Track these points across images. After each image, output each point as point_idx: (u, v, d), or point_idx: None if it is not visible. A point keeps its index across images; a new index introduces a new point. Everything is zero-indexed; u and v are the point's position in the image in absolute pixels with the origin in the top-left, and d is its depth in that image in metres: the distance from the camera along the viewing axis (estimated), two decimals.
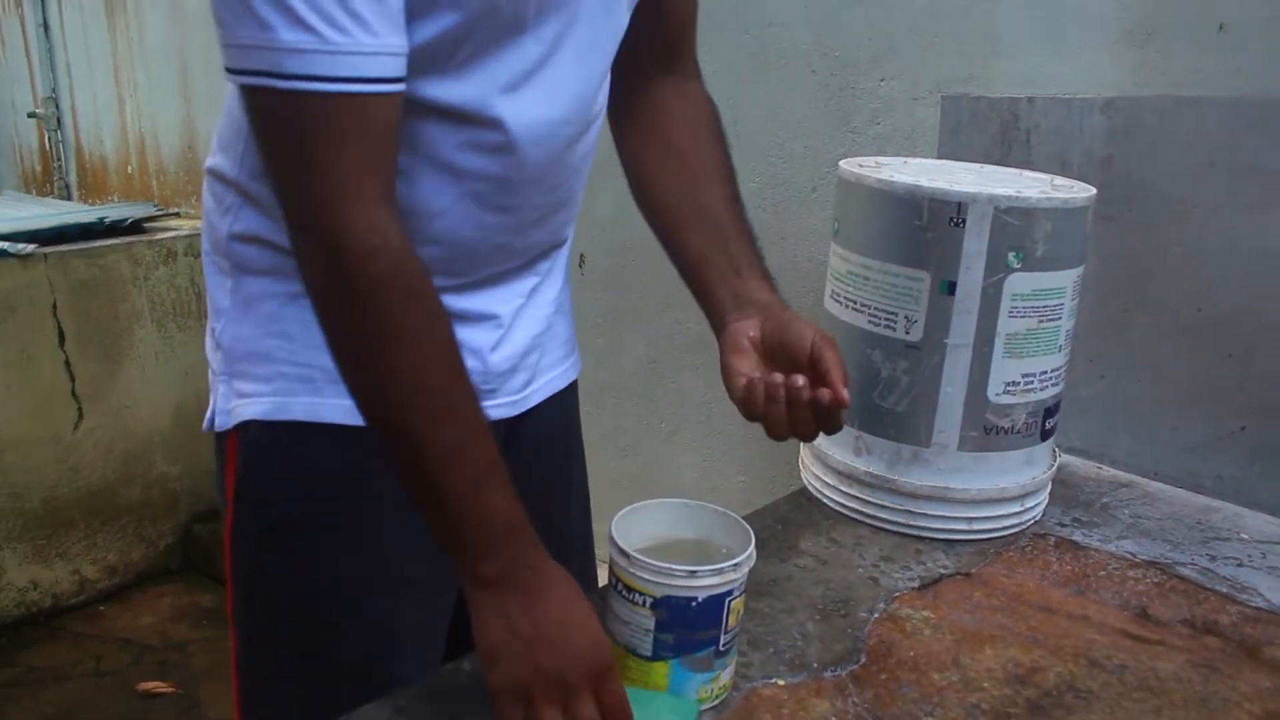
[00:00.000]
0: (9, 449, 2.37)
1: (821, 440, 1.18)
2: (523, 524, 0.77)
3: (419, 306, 0.75)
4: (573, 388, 1.09)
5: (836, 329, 1.12)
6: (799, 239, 1.55)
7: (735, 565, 0.79)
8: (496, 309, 0.92)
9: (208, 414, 0.91)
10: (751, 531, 0.83)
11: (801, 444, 1.22)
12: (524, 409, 0.98)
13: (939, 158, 1.40)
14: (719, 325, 0.91)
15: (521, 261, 0.93)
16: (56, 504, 2.48)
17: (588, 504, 1.17)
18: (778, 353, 0.87)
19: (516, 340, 0.95)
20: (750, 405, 0.86)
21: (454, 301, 0.88)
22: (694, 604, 0.79)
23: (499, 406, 0.95)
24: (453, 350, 0.76)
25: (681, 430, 1.80)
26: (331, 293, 0.74)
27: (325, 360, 0.83)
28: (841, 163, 1.13)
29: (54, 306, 2.30)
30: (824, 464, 1.17)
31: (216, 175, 0.89)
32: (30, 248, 2.33)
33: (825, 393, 0.83)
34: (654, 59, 0.99)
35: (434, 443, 0.75)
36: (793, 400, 0.84)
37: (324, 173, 0.71)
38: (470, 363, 0.85)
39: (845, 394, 0.83)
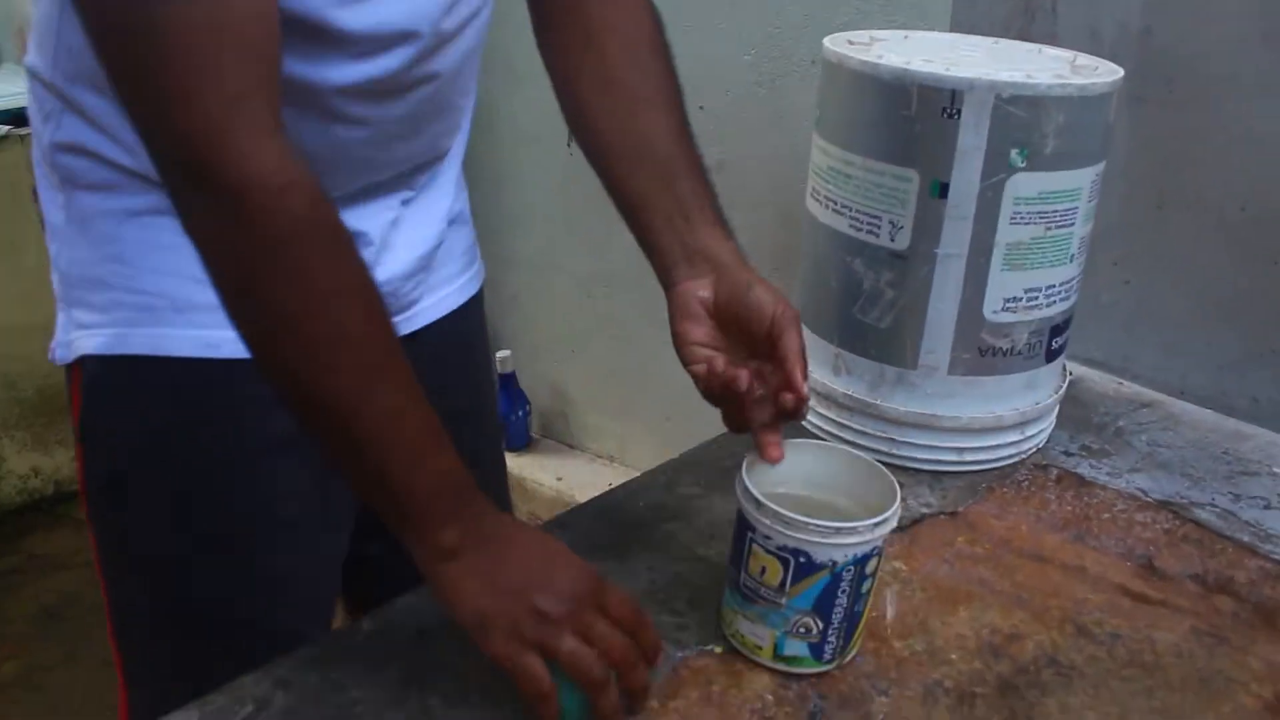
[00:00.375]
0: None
1: None
2: (468, 478, 0.68)
3: (341, 254, 0.64)
4: (474, 301, 0.99)
5: (816, 231, 0.98)
6: (796, 119, 1.39)
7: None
8: (361, 225, 0.80)
9: (51, 343, 0.80)
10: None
11: None
12: (409, 330, 0.88)
13: (951, 29, 1.23)
14: (667, 282, 0.78)
15: (388, 175, 0.81)
16: (51, 391, 2.40)
17: (495, 427, 1.07)
18: (732, 322, 0.75)
19: (392, 260, 0.83)
20: (708, 391, 0.75)
21: None
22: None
23: None
24: (379, 301, 0.65)
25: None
26: (230, 249, 0.61)
27: (168, 286, 0.73)
28: (826, 39, 0.97)
29: (34, 190, 2.17)
30: None
31: (34, 76, 0.76)
32: (5, 129, 2.21)
33: (788, 398, 0.72)
34: None
35: (370, 411, 0.64)
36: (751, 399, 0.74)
37: (201, 96, 0.57)
38: None
39: (806, 391, 0.72)
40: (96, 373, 0.78)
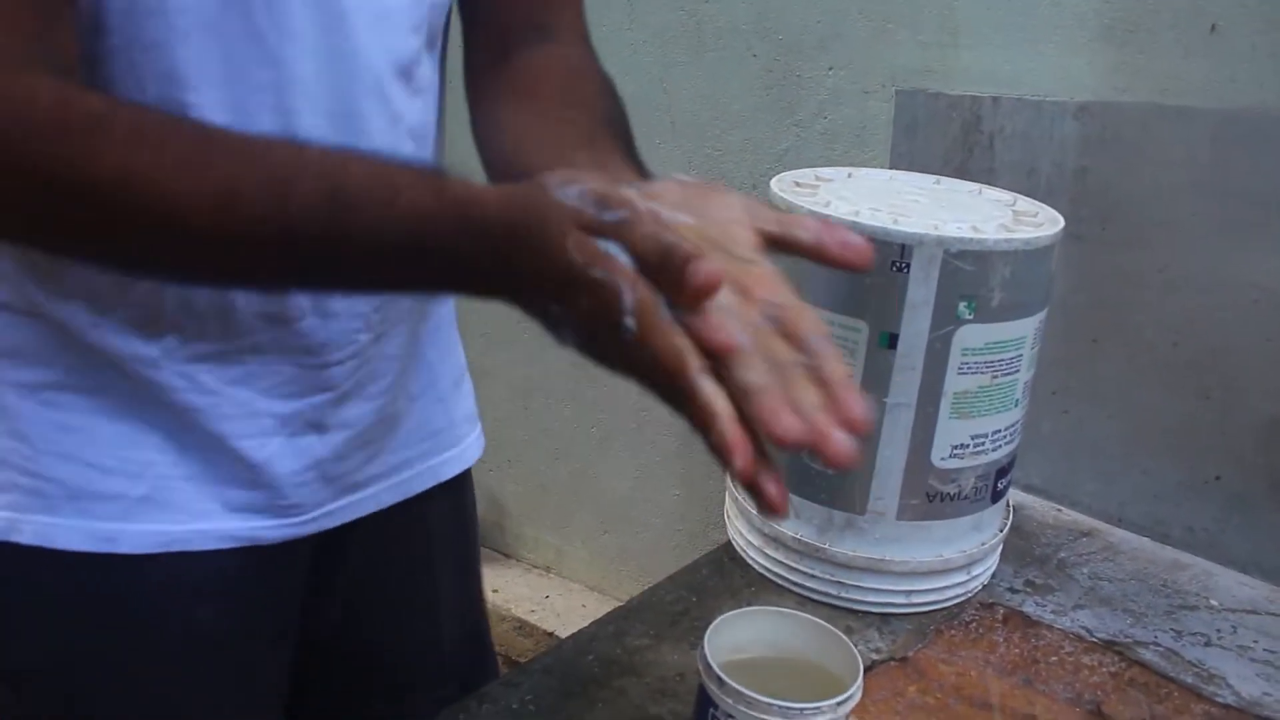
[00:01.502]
0: None
1: (746, 496, 1.04)
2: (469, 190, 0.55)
3: (170, 120, 0.57)
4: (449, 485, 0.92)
5: None
6: None
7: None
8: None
9: None
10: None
11: (727, 495, 1.08)
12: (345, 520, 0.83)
13: (892, 161, 1.25)
14: None
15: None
16: None
17: (474, 611, 1.03)
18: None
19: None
20: None
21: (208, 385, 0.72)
22: None
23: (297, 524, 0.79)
24: (210, 132, 0.57)
25: (614, 436, 1.67)
26: (67, 196, 0.54)
27: (65, 472, 0.68)
28: (773, 181, 0.98)
29: None
30: (749, 522, 1.03)
31: None
32: None
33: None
34: (516, 32, 0.78)
35: (302, 221, 0.54)
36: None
37: None
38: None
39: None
40: None
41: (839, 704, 0.68)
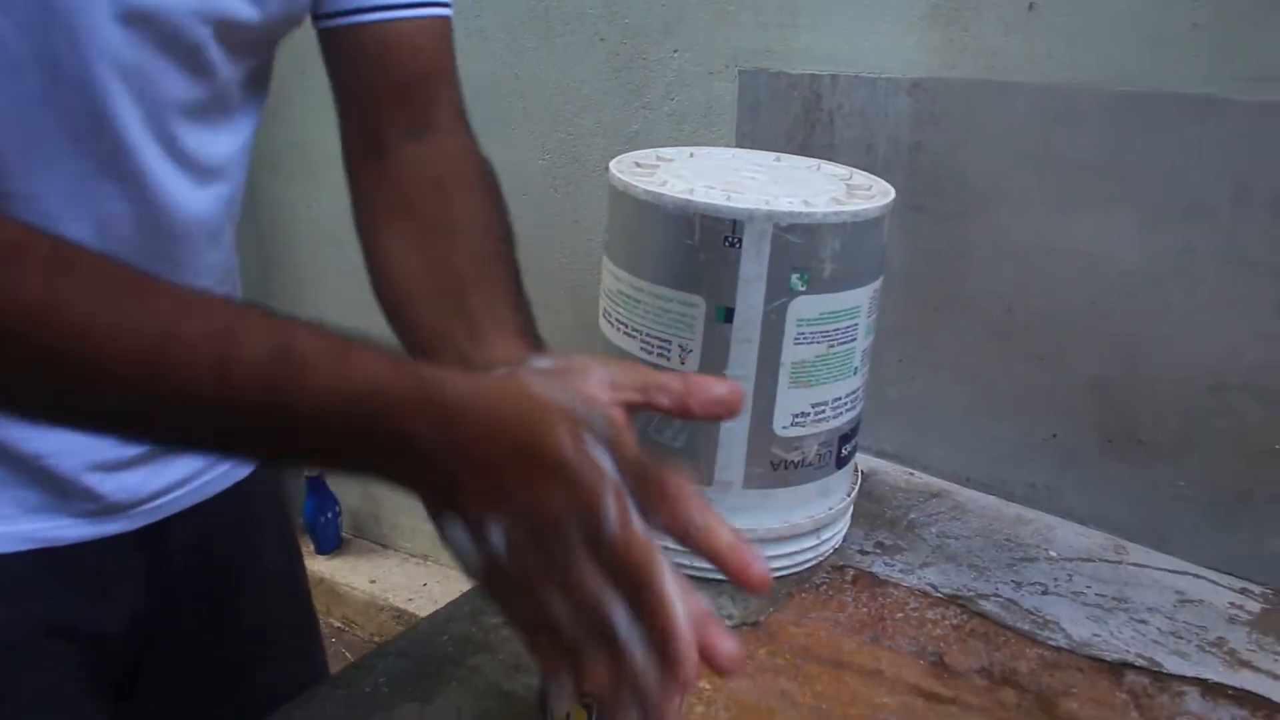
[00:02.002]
0: None
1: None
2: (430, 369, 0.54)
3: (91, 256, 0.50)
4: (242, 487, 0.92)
5: (610, 353, 1.00)
6: (593, 222, 1.42)
7: None
8: None
9: None
10: None
11: None
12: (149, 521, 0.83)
13: (737, 139, 1.28)
14: None
15: None
16: None
17: (298, 586, 1.03)
18: None
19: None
20: None
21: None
22: None
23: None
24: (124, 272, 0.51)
25: None
26: None
27: None
28: (612, 163, 0.99)
29: None
30: None
31: None
32: None
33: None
34: (389, 120, 0.77)
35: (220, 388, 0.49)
36: None
37: None
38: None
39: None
40: None
41: None
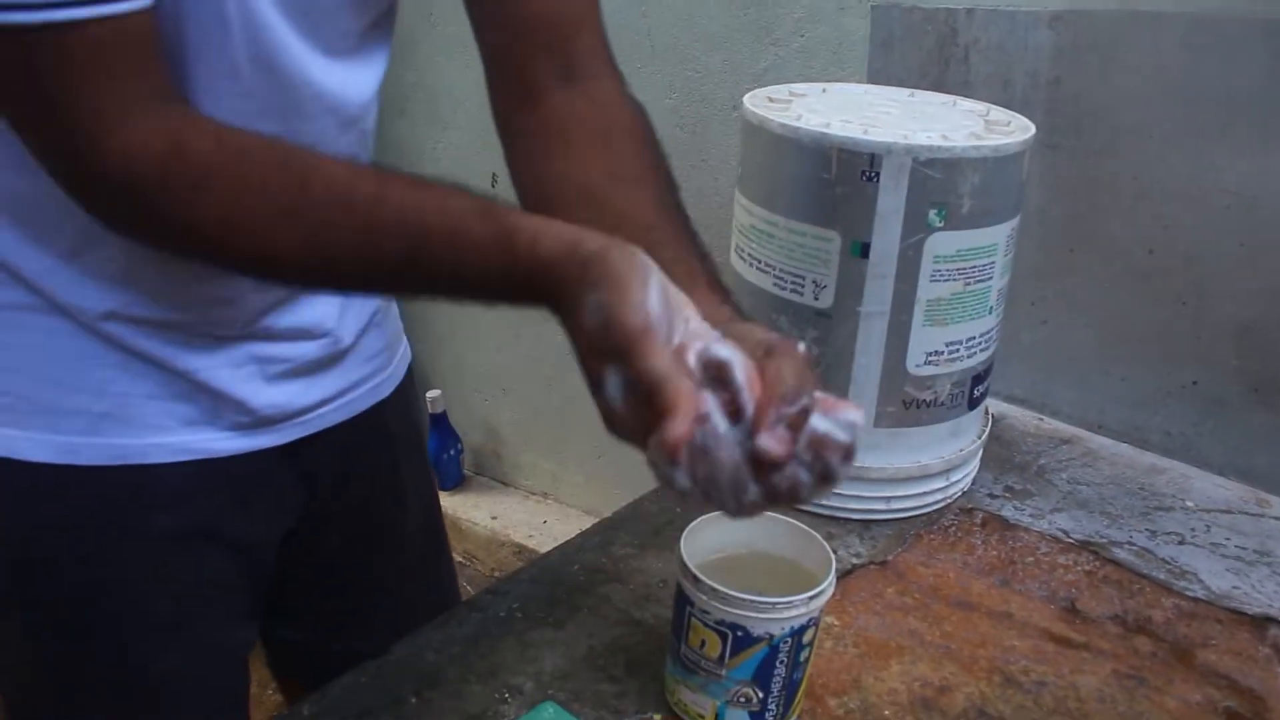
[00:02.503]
0: None
1: None
2: (534, 222, 0.61)
3: (272, 166, 0.61)
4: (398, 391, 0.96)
5: (742, 288, 1.00)
6: (721, 162, 1.41)
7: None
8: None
9: None
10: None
11: None
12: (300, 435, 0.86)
13: (869, 76, 1.25)
14: None
15: None
16: None
17: (432, 509, 1.06)
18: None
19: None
20: None
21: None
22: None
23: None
24: (343, 167, 0.63)
25: None
26: (179, 236, 0.62)
27: (25, 387, 0.72)
28: (746, 98, 0.99)
29: None
30: None
31: None
32: None
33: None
34: (539, 65, 0.77)
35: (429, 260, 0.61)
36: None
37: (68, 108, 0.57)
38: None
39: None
40: None
41: (811, 598, 0.70)
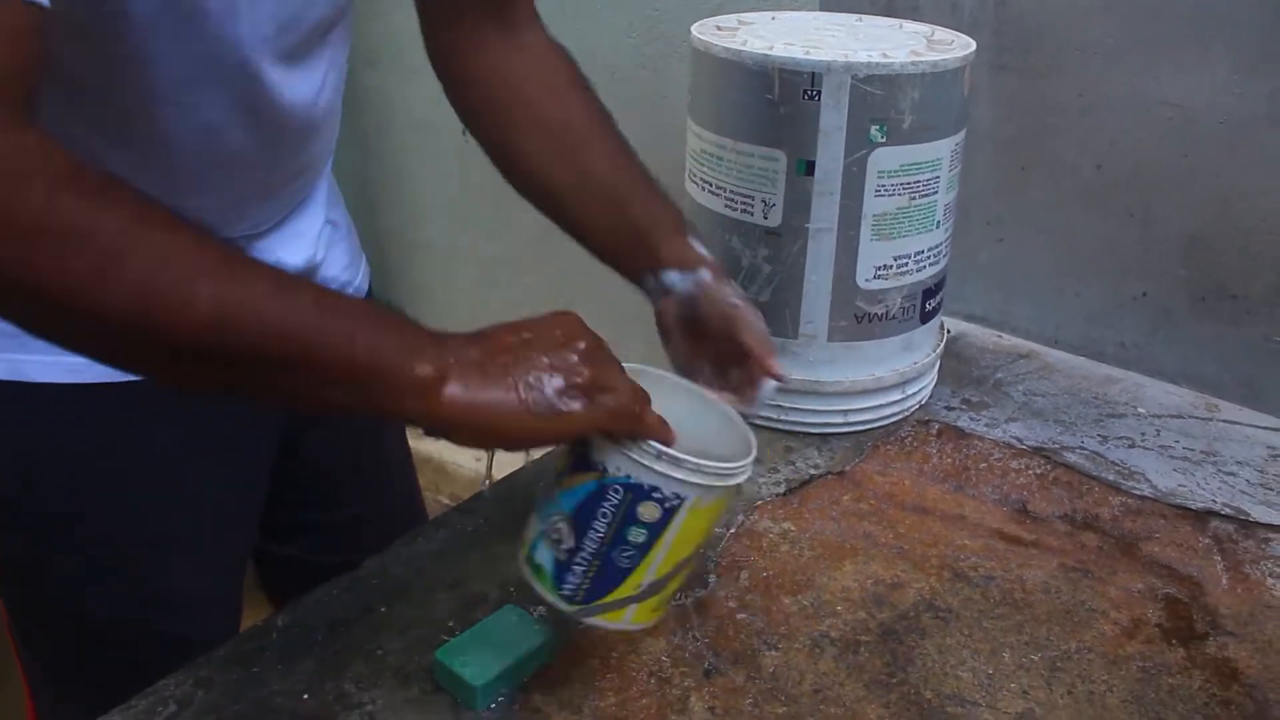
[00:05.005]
0: None
1: None
2: (396, 312, 0.61)
3: (132, 209, 0.52)
4: None
5: (697, 213, 1.03)
6: (680, 100, 1.42)
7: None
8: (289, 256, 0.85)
9: None
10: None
11: None
12: None
13: (821, 4, 1.27)
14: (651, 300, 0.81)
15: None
16: None
17: (400, 437, 1.10)
18: (697, 333, 0.77)
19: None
20: None
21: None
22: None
23: None
24: (184, 226, 0.54)
25: (577, 303, 1.71)
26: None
27: None
28: (694, 26, 1.01)
29: None
30: None
31: None
32: None
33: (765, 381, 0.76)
34: (473, 11, 0.83)
35: (248, 323, 0.53)
36: None
37: None
38: None
39: (777, 367, 0.73)
40: None
41: (659, 455, 0.64)
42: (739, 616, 0.81)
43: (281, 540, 1.01)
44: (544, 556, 0.67)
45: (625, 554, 0.65)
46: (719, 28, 1.02)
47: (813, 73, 0.90)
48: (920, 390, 1.08)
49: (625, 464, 0.63)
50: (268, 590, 1.09)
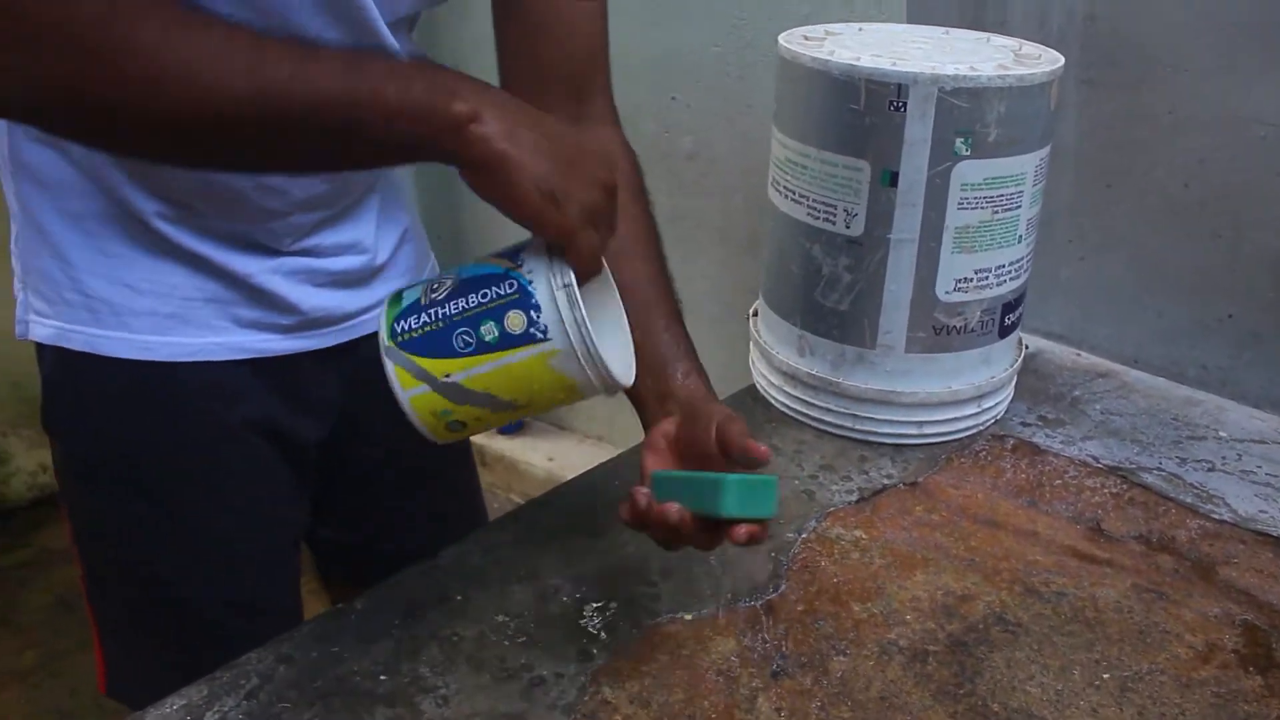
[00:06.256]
0: (5, 339, 2.35)
1: (766, 336, 1.10)
2: (428, 62, 0.64)
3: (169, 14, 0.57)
4: None
5: (777, 220, 1.04)
6: (764, 108, 1.44)
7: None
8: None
9: (15, 317, 0.86)
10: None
11: (751, 342, 1.14)
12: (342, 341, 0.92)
13: (908, 17, 1.27)
14: (646, 425, 0.80)
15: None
16: None
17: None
18: (689, 448, 0.76)
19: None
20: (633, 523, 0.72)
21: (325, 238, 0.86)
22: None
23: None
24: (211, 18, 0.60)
25: None
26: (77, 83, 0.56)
27: (107, 292, 0.79)
28: (781, 36, 1.02)
29: None
30: (769, 362, 1.09)
31: None
32: None
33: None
34: (550, 104, 0.81)
35: (289, 80, 0.58)
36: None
37: None
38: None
39: (762, 448, 0.70)
40: (52, 361, 0.84)
41: (532, 257, 0.65)
42: (808, 621, 0.81)
43: (330, 525, 1.03)
44: (411, 294, 0.67)
45: (465, 337, 0.64)
46: (806, 38, 1.03)
47: (899, 84, 0.90)
48: (996, 405, 1.08)
49: (539, 274, 0.63)
50: (329, 584, 1.12)
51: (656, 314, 0.80)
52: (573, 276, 0.63)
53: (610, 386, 0.67)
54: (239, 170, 0.74)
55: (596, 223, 0.64)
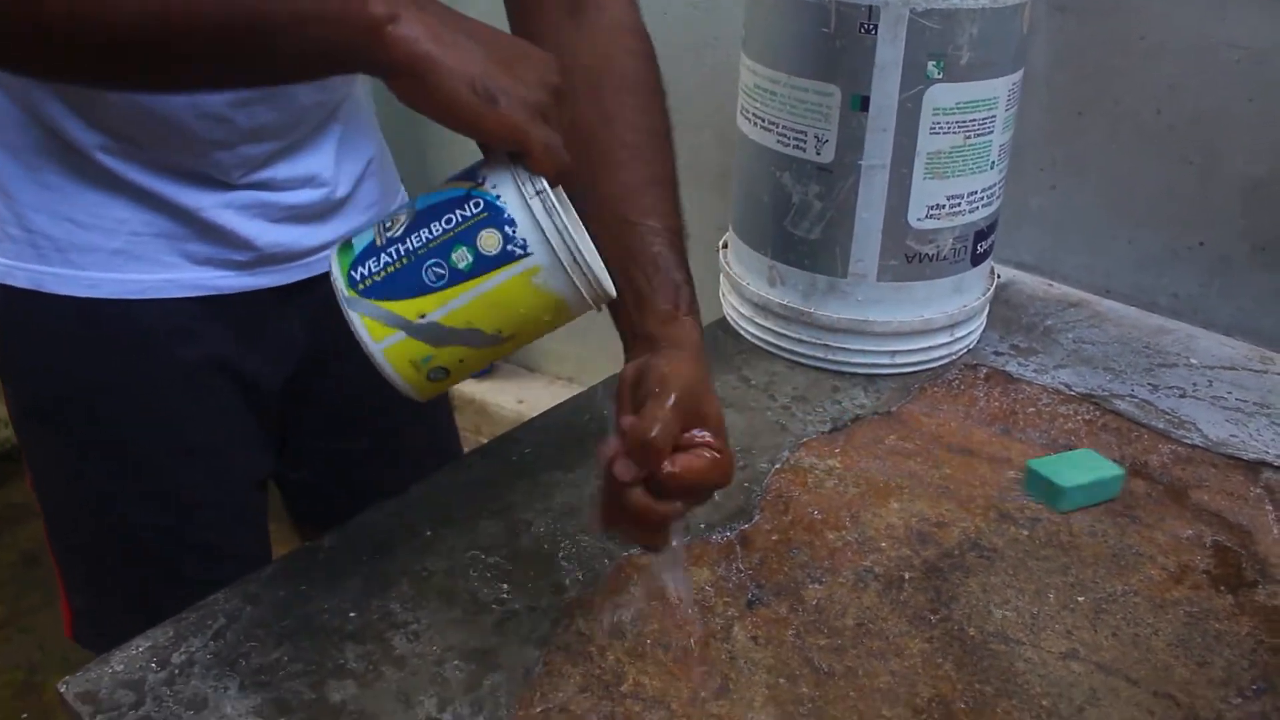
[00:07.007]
0: None
1: (737, 267, 1.09)
2: None
3: None
4: None
5: (747, 148, 1.02)
6: (730, 41, 1.41)
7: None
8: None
9: None
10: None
11: (721, 275, 1.13)
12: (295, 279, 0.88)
13: None
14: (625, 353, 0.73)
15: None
16: None
17: None
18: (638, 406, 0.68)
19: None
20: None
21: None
22: None
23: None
24: None
25: None
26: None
27: (49, 227, 0.76)
28: None
29: None
30: (739, 294, 1.08)
31: None
32: None
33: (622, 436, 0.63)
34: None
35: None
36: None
37: None
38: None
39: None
40: (2, 305, 0.81)
41: (501, 185, 0.58)
42: (783, 550, 0.81)
43: (299, 466, 1.01)
44: (362, 239, 0.61)
45: (436, 269, 0.59)
46: None
47: (870, 5, 0.88)
48: (969, 334, 1.07)
49: (506, 186, 0.58)
50: (298, 524, 1.10)
51: (636, 233, 0.70)
52: (545, 182, 0.58)
53: (599, 298, 0.61)
54: (160, 89, 0.69)
55: (548, 118, 0.58)
